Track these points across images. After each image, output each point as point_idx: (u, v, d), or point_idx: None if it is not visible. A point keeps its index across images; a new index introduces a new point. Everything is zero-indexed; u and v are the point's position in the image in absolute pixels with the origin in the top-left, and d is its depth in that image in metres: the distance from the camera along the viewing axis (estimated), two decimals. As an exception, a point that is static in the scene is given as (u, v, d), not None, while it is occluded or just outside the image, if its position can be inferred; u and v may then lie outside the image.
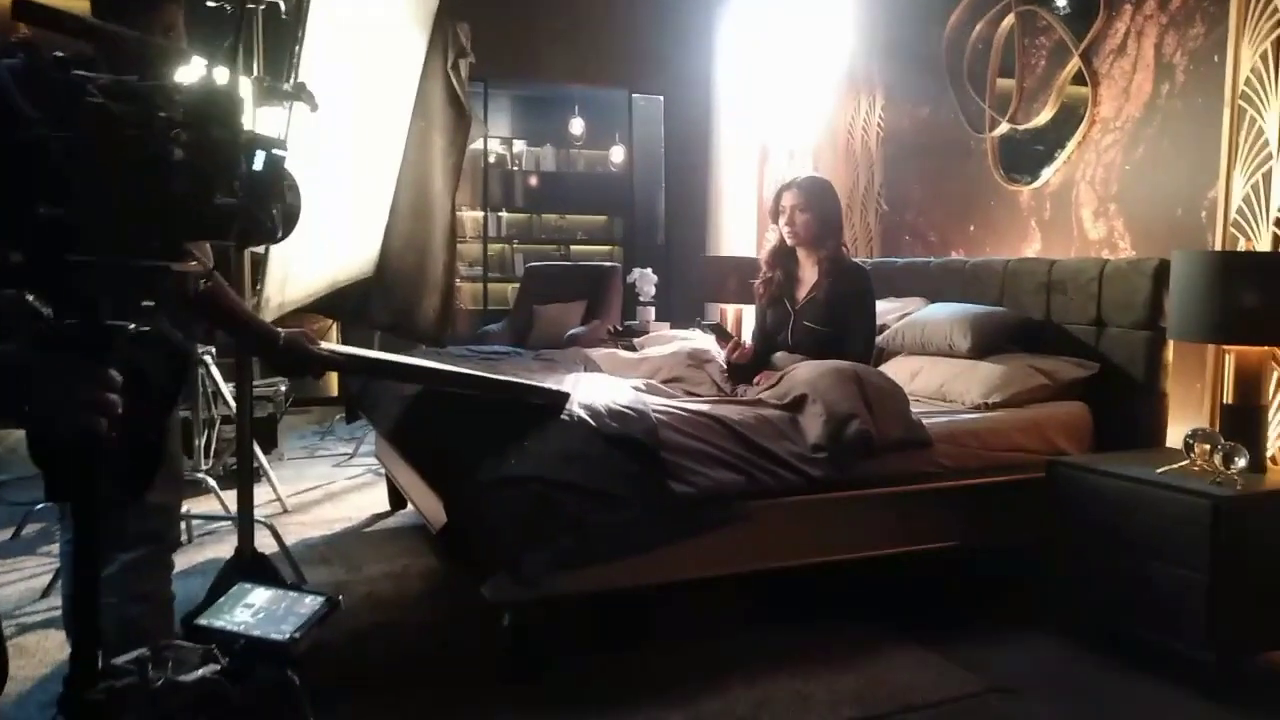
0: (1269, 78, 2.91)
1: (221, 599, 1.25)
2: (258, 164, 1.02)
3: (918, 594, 2.94)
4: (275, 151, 1.04)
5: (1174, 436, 2.98)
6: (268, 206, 1.04)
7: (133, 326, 0.98)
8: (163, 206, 0.93)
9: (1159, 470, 2.51)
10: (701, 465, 2.50)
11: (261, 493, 4.05)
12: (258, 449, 4.03)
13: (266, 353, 1.90)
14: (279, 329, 1.91)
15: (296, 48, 2.31)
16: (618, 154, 8.00)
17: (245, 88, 2.24)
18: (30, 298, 0.97)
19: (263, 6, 2.34)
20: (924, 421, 2.87)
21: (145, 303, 1.00)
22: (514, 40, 6.32)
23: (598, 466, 2.36)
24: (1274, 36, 2.88)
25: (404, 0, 3.05)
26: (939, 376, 3.29)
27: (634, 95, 7.28)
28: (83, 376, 0.93)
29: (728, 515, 2.53)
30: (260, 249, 2.59)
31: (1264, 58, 2.92)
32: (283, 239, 1.12)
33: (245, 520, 2.41)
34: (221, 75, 1.04)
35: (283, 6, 2.33)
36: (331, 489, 4.32)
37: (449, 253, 3.40)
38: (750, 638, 2.66)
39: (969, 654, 2.56)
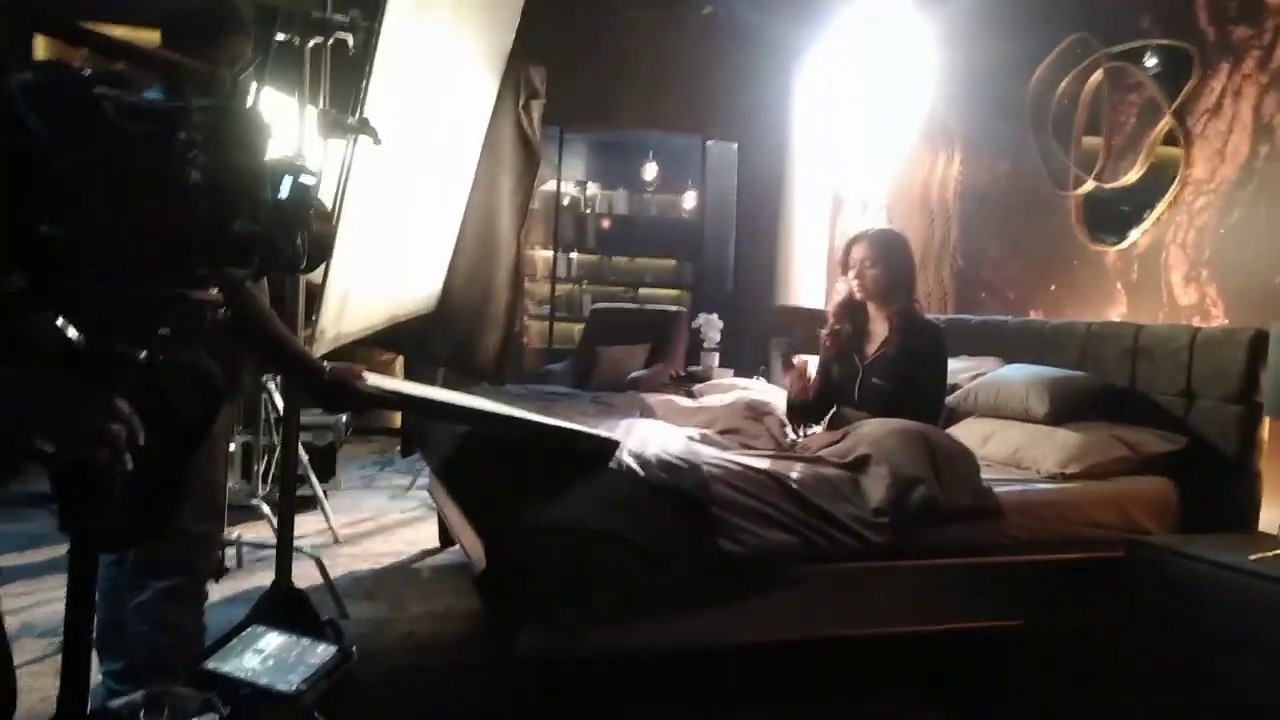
0: (1381, 142, 2.72)
1: (234, 641, 1.21)
2: (284, 190, 0.98)
3: (977, 676, 2.76)
4: (303, 178, 1.00)
5: (1267, 520, 2.77)
6: (292, 235, 0.99)
7: (144, 355, 0.93)
8: (178, 231, 0.89)
9: (1252, 557, 2.32)
10: (753, 524, 2.39)
11: (315, 522, 4.05)
12: (313, 477, 4.03)
13: (310, 386, 1.88)
14: (325, 363, 1.87)
15: (364, 82, 2.31)
16: (690, 199, 7.98)
17: (310, 120, 2.25)
18: (60, 322, 0.90)
19: (330, 42, 2.35)
20: (995, 490, 2.72)
21: (161, 330, 0.95)
22: (590, 86, 6.37)
23: (644, 519, 2.27)
24: (1387, 99, 2.71)
25: (476, 40, 3.06)
26: (1013, 442, 3.12)
27: (708, 142, 7.26)
28: (86, 405, 0.88)
29: (778, 578, 2.41)
30: (318, 279, 2.59)
31: (1376, 121, 2.74)
32: (309, 270, 1.08)
33: (284, 553, 2.38)
34: (244, 98, 1.00)
35: (350, 41, 2.34)
36: (384, 521, 4.29)
37: (513, 291, 3.38)
38: (793, 711, 2.52)
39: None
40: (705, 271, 7.68)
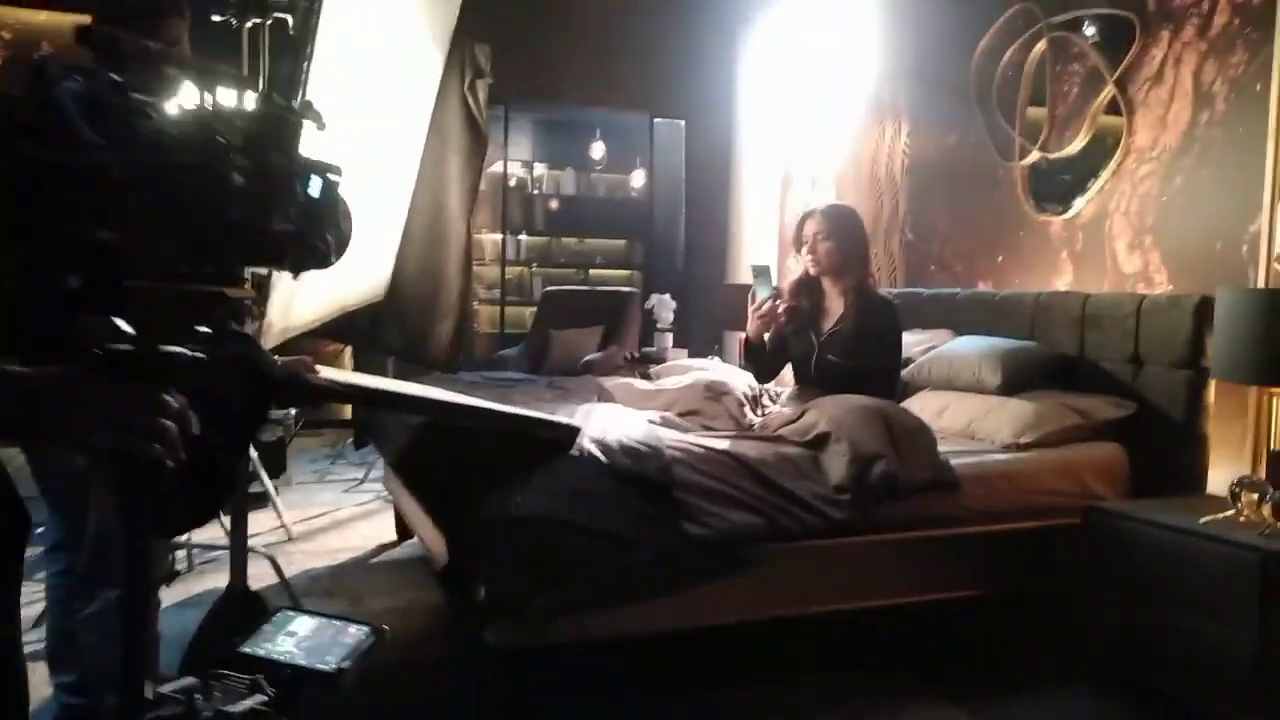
0: (1316, 107, 2.78)
1: (265, 626, 1.20)
2: (314, 190, 1.00)
3: (943, 644, 2.79)
4: (330, 177, 1.02)
5: (1214, 482, 2.83)
6: (322, 232, 1.01)
7: (192, 351, 0.97)
8: (220, 232, 0.93)
9: (1203, 520, 2.37)
10: (717, 506, 2.38)
11: (268, 519, 3.97)
12: (263, 473, 3.95)
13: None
14: (274, 357, 1.81)
15: (305, 64, 2.24)
16: (638, 178, 7.93)
17: (249, 104, 2.17)
18: (119, 322, 0.94)
19: (269, 22, 2.26)
20: (952, 462, 2.74)
21: (202, 328, 0.99)
22: (536, 64, 6.27)
23: (609, 506, 2.25)
24: (1322, 65, 2.76)
25: (420, 19, 2.98)
26: (967, 414, 3.16)
27: (655, 120, 7.21)
28: (139, 402, 0.91)
29: (744, 559, 2.41)
30: (264, 271, 2.51)
31: (1311, 87, 2.80)
32: (334, 264, 1.07)
33: (238, 556, 2.31)
34: (270, 98, 1.02)
35: (290, 22, 2.26)
36: (339, 516, 4.22)
37: (464, 277, 3.32)
38: (765, 688, 2.53)
39: (996, 710, 2.42)
40: (656, 251, 7.65)
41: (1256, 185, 2.95)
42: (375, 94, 2.74)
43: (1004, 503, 2.76)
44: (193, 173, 0.90)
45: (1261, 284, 2.87)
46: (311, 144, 2.16)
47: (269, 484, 3.95)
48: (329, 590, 3.24)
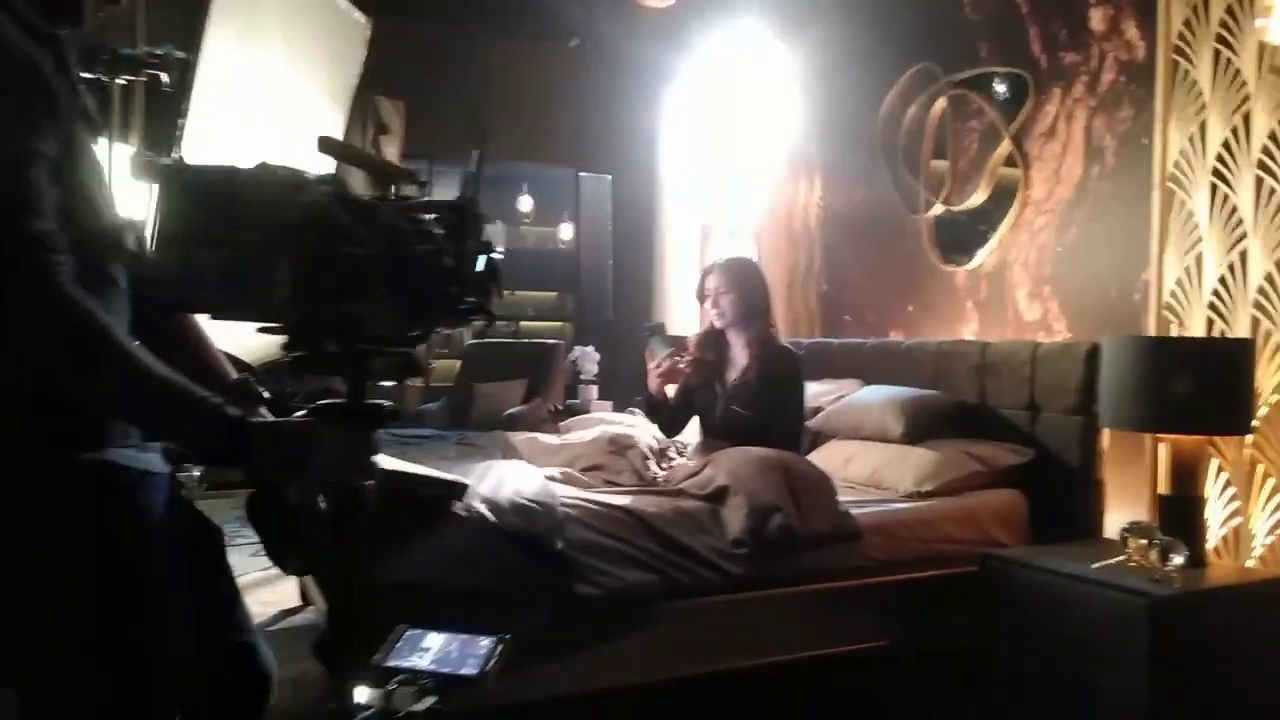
0: (1197, 159, 2.88)
1: (398, 643, 1.33)
2: (481, 265, 1.19)
3: (847, 699, 2.75)
4: (494, 255, 1.22)
5: (1113, 526, 2.86)
6: (490, 300, 1.22)
7: (388, 405, 1.20)
8: (431, 304, 1.16)
9: (1094, 566, 2.38)
10: (611, 564, 2.33)
11: None
12: (162, 539, 3.79)
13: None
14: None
15: (180, 121, 2.19)
16: (566, 231, 7.96)
17: (122, 161, 2.12)
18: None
19: (143, 79, 2.21)
20: (854, 512, 2.73)
21: (388, 383, 1.20)
22: (460, 119, 6.28)
23: (497, 568, 2.19)
24: (1200, 120, 2.86)
25: (316, 73, 2.95)
26: (872, 462, 3.16)
27: (581, 174, 7.26)
28: (365, 445, 1.17)
29: (639, 618, 2.36)
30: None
31: (1191, 140, 2.90)
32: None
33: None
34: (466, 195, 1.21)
35: (164, 79, 2.21)
36: (242, 581, 4.01)
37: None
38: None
39: (900, 767, 2.38)
40: (585, 302, 7.66)
41: (1145, 235, 3.03)
42: (263, 149, 2.69)
43: (906, 552, 2.75)
44: (421, 258, 1.12)
45: (1153, 331, 2.94)
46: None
47: (167, 549, 3.79)
48: (222, 660, 3.10)
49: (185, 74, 2.17)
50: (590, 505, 2.46)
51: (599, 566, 2.31)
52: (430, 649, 1.31)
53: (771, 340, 3.09)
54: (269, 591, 3.89)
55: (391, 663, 1.29)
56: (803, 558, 2.55)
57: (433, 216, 1.16)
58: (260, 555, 4.49)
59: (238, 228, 1.05)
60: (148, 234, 1.09)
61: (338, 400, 1.16)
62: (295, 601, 3.70)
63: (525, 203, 8.10)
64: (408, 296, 1.13)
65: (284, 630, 3.45)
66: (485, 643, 1.34)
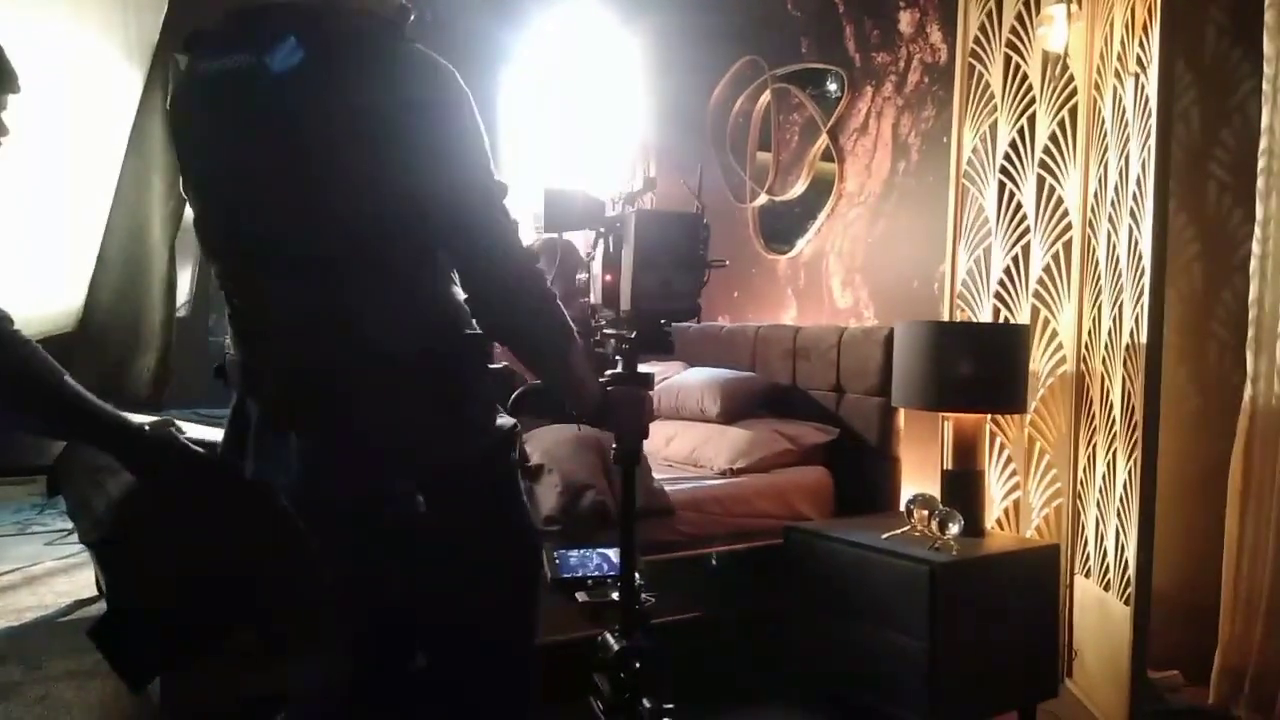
0: (988, 158, 3.08)
1: (556, 562, 1.72)
2: None
3: (659, 668, 2.82)
4: None
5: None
6: None
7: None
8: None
9: (884, 536, 2.53)
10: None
11: (-56, 578, 3.53)
12: (-60, 528, 3.51)
13: (125, 454, 1.38)
14: (140, 422, 1.43)
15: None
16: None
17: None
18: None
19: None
20: (669, 488, 2.80)
21: None
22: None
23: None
24: (992, 120, 3.07)
25: (110, 33, 2.77)
26: (691, 441, 3.25)
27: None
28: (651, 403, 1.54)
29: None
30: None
31: (984, 139, 3.10)
32: None
33: None
34: None
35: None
36: (33, 571, 3.79)
37: (166, 307, 3.08)
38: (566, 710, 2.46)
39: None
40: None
41: (943, 229, 3.23)
42: (45, 112, 2.50)
43: (718, 526, 2.84)
44: None
45: (945, 318, 3.14)
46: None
47: (-55, 538, 3.51)
48: (3, 654, 2.89)
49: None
50: (401, 483, 2.42)
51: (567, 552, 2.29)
52: (589, 562, 1.68)
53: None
54: (66, 580, 3.65)
55: (565, 575, 1.64)
56: (614, 533, 2.59)
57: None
58: (59, 543, 4.24)
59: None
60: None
61: (637, 373, 1.50)
62: (91, 591, 3.48)
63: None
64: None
65: (77, 620, 3.25)
66: (614, 552, 1.68)
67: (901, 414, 3.09)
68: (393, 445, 1.28)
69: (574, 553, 1.73)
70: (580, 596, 1.62)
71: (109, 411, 1.36)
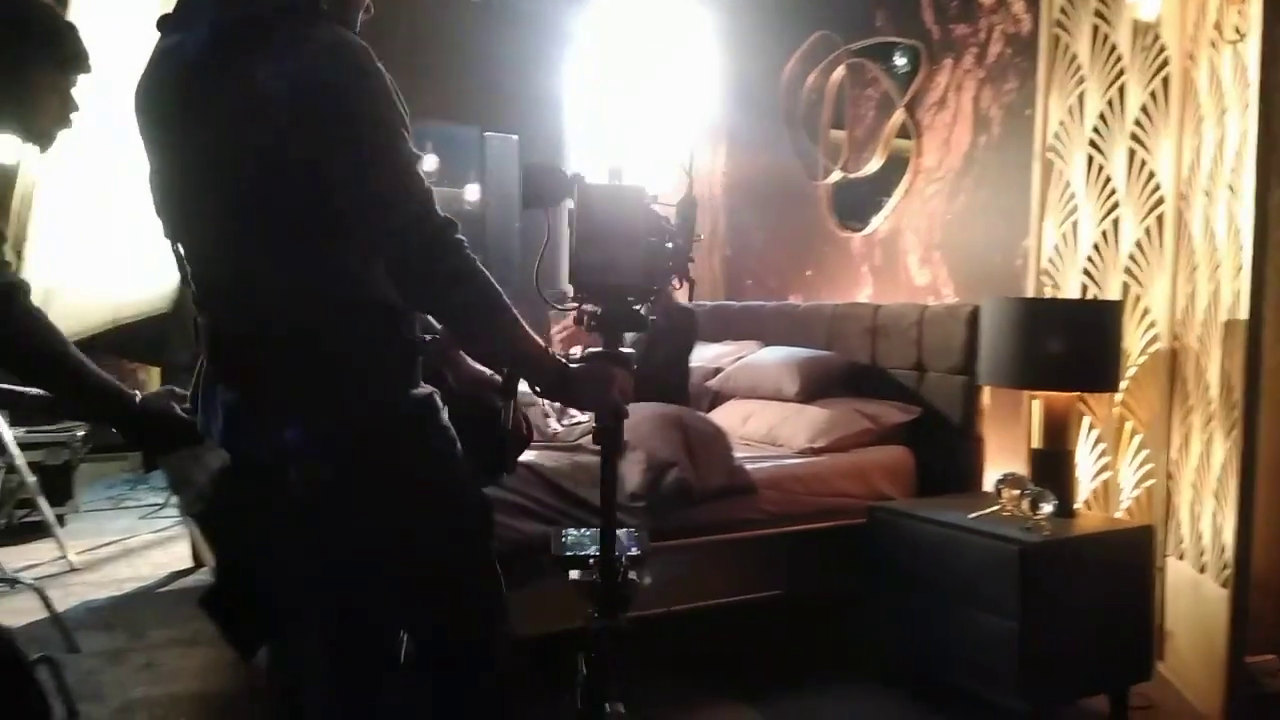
0: (1075, 130, 3.01)
1: (563, 540, 1.66)
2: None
3: (740, 647, 2.84)
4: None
5: (993, 480, 3.00)
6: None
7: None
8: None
9: (971, 516, 2.51)
10: (508, 517, 2.34)
11: (49, 549, 3.68)
12: (42, 501, 3.66)
13: (121, 423, 1.54)
14: (134, 392, 1.55)
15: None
16: (473, 192, 7.84)
17: None
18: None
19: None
20: (749, 467, 2.81)
21: None
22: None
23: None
24: (1079, 91, 3.00)
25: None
26: (769, 420, 3.24)
27: (487, 134, 7.14)
28: (626, 381, 1.46)
29: (538, 570, 2.38)
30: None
31: (1070, 111, 3.03)
32: None
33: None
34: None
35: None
36: (130, 544, 3.95)
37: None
38: (563, 699, 2.50)
39: (792, 708, 2.48)
40: (490, 265, 7.44)
41: (1027, 203, 3.17)
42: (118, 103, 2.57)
43: (798, 506, 2.84)
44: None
45: (1031, 295, 3.08)
46: (63, 145, 1.96)
47: (48, 512, 3.66)
48: (108, 623, 3.02)
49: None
50: (489, 460, 2.46)
51: (496, 519, 2.32)
52: (592, 541, 1.61)
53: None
54: (161, 553, 3.79)
55: (565, 554, 1.59)
56: (698, 511, 2.62)
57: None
58: (152, 517, 4.39)
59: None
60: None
61: (611, 351, 1.47)
62: (187, 563, 3.61)
63: (430, 162, 7.92)
64: (665, 272, 1.45)
65: (175, 591, 3.38)
66: (628, 532, 1.65)
67: (986, 393, 3.04)
68: (296, 409, 1.31)
69: (574, 532, 1.70)
70: (574, 574, 1.56)
71: (108, 381, 1.51)
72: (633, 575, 1.53)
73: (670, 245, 1.43)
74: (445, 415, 1.42)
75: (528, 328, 1.37)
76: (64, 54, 1.57)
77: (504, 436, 1.53)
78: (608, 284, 1.43)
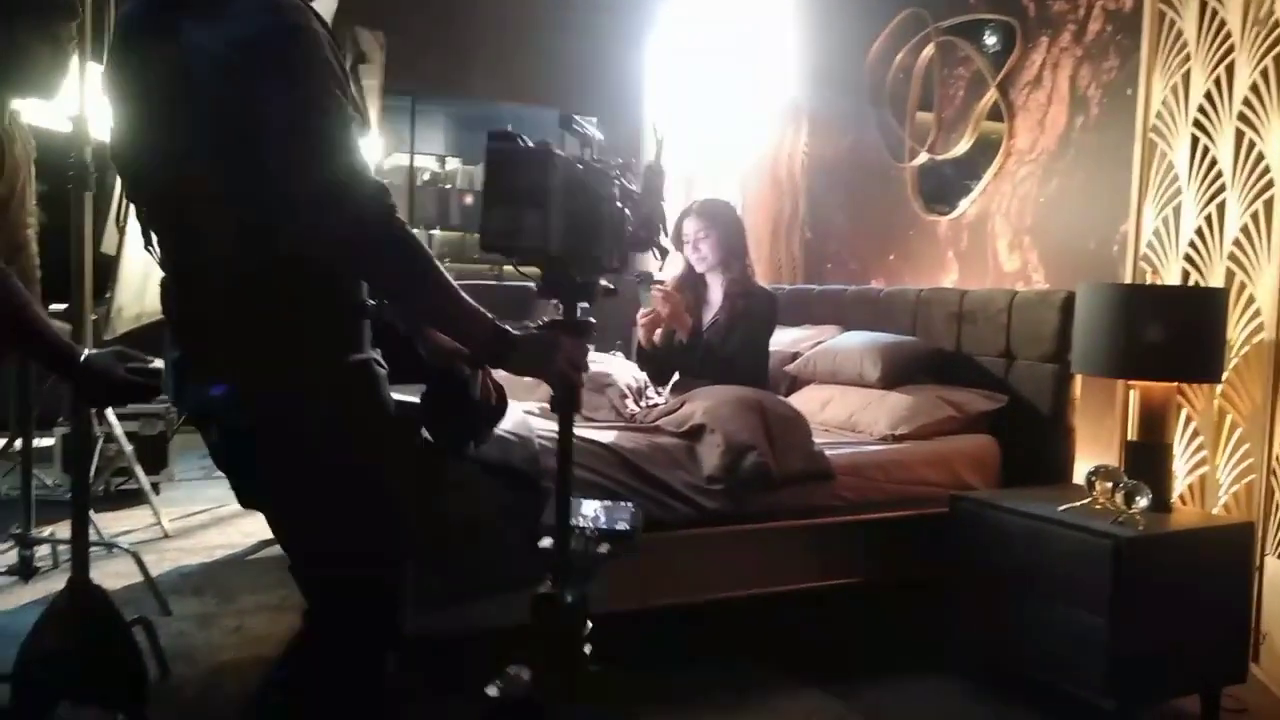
0: (1179, 111, 2.88)
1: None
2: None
3: (817, 633, 2.81)
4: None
5: (1083, 471, 2.91)
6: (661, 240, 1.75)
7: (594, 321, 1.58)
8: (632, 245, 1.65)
9: (1061, 508, 2.43)
10: (587, 496, 2.35)
11: (144, 516, 3.83)
12: (139, 469, 3.81)
13: (69, 376, 1.62)
14: (79, 346, 1.64)
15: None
16: (551, 175, 7.89)
17: (93, 79, 2.07)
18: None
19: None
20: (828, 453, 2.77)
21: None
22: (443, 57, 6.18)
23: (471, 496, 2.21)
24: (1184, 70, 2.86)
25: None
26: (849, 406, 3.19)
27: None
28: (582, 351, 1.51)
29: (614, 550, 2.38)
30: (111, 249, 2.40)
31: (1174, 91, 2.90)
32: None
33: (80, 549, 2.20)
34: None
35: None
36: (221, 513, 4.08)
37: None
38: (635, 680, 2.51)
39: (868, 697, 2.45)
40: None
41: (1126, 186, 3.05)
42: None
43: (878, 493, 2.79)
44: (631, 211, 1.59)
45: (1129, 282, 2.97)
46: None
47: (144, 480, 3.80)
48: (198, 588, 3.13)
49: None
50: (568, 439, 2.47)
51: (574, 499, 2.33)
52: (586, 513, 1.64)
53: (745, 279, 3.10)
54: (249, 522, 3.91)
55: (550, 524, 1.59)
56: (777, 495, 2.59)
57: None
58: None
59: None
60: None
61: (564, 319, 1.50)
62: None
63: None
64: (621, 240, 1.51)
65: (263, 559, 3.48)
66: (626, 506, 1.69)
67: (1078, 383, 2.94)
68: (228, 367, 1.32)
69: (588, 503, 1.70)
70: (544, 543, 1.58)
71: (61, 340, 1.61)
72: (602, 549, 1.58)
73: (616, 213, 1.46)
74: (383, 384, 1.39)
75: (462, 293, 1.34)
76: (44, 3, 1.65)
77: (474, 407, 1.53)
78: (515, 246, 1.40)
